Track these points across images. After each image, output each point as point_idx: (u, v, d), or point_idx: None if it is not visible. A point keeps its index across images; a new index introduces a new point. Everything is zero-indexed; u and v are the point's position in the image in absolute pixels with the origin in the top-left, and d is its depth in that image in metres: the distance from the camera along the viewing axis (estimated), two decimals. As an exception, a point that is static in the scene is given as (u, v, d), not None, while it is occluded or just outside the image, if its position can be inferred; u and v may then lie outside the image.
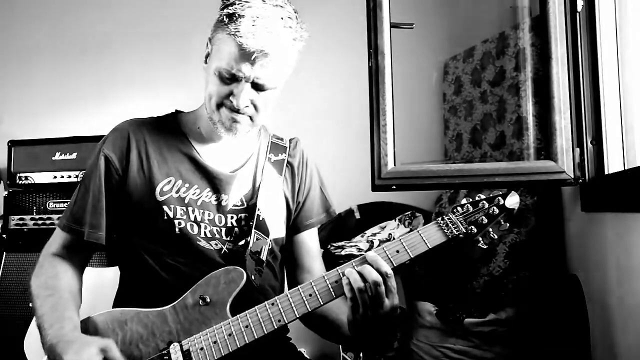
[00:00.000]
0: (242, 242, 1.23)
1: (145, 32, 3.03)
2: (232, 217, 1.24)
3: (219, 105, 1.17)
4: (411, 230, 2.43)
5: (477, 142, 2.55)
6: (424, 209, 2.73)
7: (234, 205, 1.25)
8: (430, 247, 1.10)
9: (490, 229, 1.12)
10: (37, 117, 3.04)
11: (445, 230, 1.11)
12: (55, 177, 2.55)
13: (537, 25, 1.87)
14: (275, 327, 1.09)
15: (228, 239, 1.23)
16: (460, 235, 1.10)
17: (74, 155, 2.55)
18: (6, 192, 2.58)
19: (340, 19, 2.79)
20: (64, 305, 1.15)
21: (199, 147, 1.28)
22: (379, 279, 1.04)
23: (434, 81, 2.84)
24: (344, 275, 1.07)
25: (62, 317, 1.12)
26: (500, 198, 1.12)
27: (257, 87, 1.15)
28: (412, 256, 1.10)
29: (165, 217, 1.20)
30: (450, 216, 1.12)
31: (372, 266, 1.06)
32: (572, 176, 1.65)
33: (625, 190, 1.46)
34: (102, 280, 1.67)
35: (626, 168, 1.62)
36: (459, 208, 1.13)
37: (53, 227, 2.45)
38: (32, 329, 1.63)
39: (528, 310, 2.11)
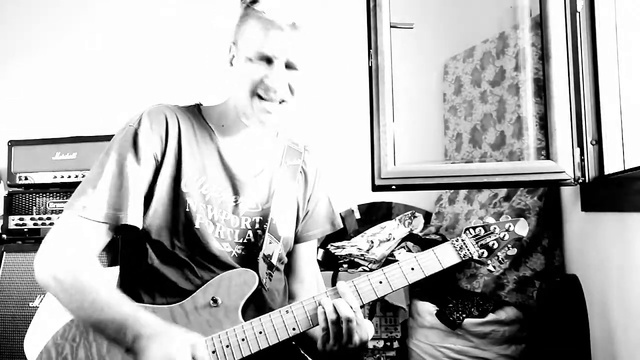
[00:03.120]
0: (253, 246, 1.21)
1: (145, 31, 3.03)
2: (246, 220, 1.22)
3: (253, 94, 1.13)
4: (411, 230, 2.43)
5: (477, 142, 2.55)
6: (424, 209, 2.73)
7: (250, 208, 1.23)
8: (444, 267, 1.14)
9: (499, 254, 1.17)
10: (37, 117, 3.04)
11: (460, 252, 1.15)
12: (55, 177, 2.55)
13: (537, 25, 1.87)
14: (290, 335, 1.08)
15: (240, 241, 1.20)
16: (474, 258, 1.15)
17: (74, 155, 2.55)
18: (6, 192, 2.58)
19: (340, 19, 2.79)
20: (123, 296, 1.05)
21: (223, 145, 1.23)
22: (352, 314, 1.05)
23: (434, 81, 2.84)
24: (320, 304, 1.08)
25: (133, 308, 1.03)
26: (511, 224, 1.17)
27: (289, 66, 1.12)
28: (427, 275, 1.13)
29: (187, 209, 1.15)
30: (464, 238, 1.16)
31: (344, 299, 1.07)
32: (572, 176, 1.65)
33: (625, 190, 1.46)
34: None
35: (626, 168, 1.62)
36: (471, 230, 1.17)
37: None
38: (32, 329, 1.62)
39: (528, 310, 2.11)
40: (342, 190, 2.60)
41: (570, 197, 2.02)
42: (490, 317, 2.08)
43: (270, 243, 1.21)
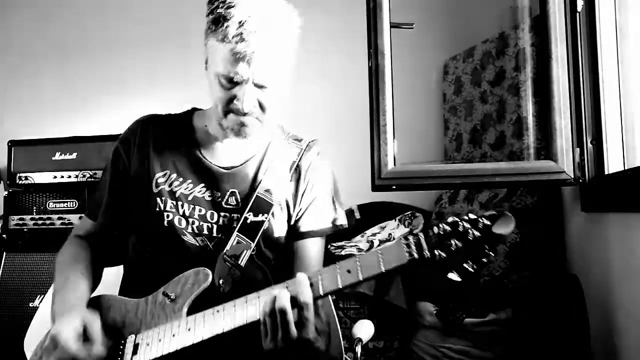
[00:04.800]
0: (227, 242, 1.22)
1: (146, 32, 3.03)
2: (224, 216, 1.22)
3: (227, 112, 1.17)
4: (411, 230, 2.42)
5: (477, 142, 2.55)
6: (424, 209, 2.73)
7: (228, 204, 1.23)
8: (383, 270, 0.96)
9: (470, 260, 0.91)
10: (37, 117, 3.04)
11: (405, 251, 0.95)
12: (55, 177, 2.55)
13: (537, 25, 1.87)
14: (215, 333, 1.05)
15: (219, 236, 1.21)
16: (424, 259, 0.94)
17: (74, 155, 2.55)
18: (6, 192, 2.58)
19: (340, 19, 2.78)
20: (75, 280, 1.20)
21: (203, 144, 1.29)
22: (285, 307, 0.97)
23: (434, 81, 2.84)
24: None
25: (69, 288, 1.18)
26: (485, 220, 0.91)
27: (258, 85, 1.14)
28: (361, 279, 0.97)
29: (157, 209, 1.21)
30: (420, 236, 0.96)
31: (290, 291, 0.99)
32: (572, 176, 1.65)
33: (626, 190, 1.46)
34: (102, 281, 1.67)
35: (626, 168, 1.62)
36: (435, 228, 0.96)
37: (53, 227, 2.47)
38: (32, 329, 1.62)
39: (528, 310, 2.10)
40: (343, 190, 2.60)
41: (570, 197, 2.02)
42: (490, 317, 2.08)
43: (237, 243, 1.20)
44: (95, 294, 1.25)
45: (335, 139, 2.79)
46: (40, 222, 2.51)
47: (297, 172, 1.29)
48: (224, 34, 1.08)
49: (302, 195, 1.29)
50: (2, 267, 2.43)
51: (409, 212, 2.63)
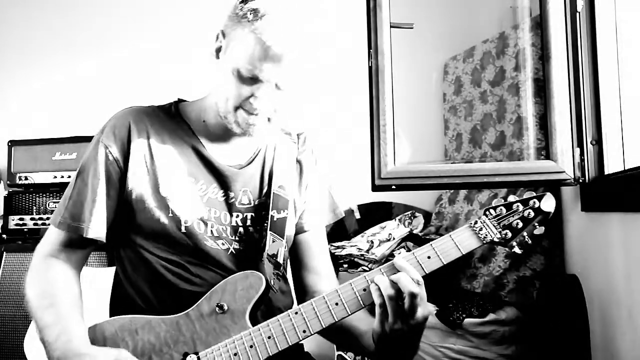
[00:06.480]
0: (250, 243, 1.18)
1: (144, 30, 3.03)
2: (237, 216, 1.18)
3: (237, 107, 1.11)
4: (411, 230, 2.43)
5: (477, 142, 2.55)
6: (424, 209, 2.73)
7: (241, 204, 1.19)
8: (463, 253, 1.05)
9: (525, 234, 1.07)
10: (37, 117, 3.04)
11: (479, 235, 1.06)
12: (55, 177, 2.55)
13: (537, 25, 1.87)
14: (300, 338, 1.03)
15: (234, 238, 1.17)
16: (495, 240, 1.06)
17: (74, 155, 2.56)
18: (6, 192, 2.58)
19: (341, 19, 2.79)
20: (67, 315, 1.08)
21: (204, 140, 1.21)
22: (416, 289, 0.99)
23: (434, 81, 2.84)
24: (372, 282, 1.02)
25: (67, 328, 1.05)
26: (535, 200, 1.07)
27: (278, 87, 1.10)
28: (445, 263, 1.05)
29: (170, 214, 1.13)
30: (484, 219, 1.07)
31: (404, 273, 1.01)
32: (572, 176, 1.65)
33: (625, 190, 1.46)
34: (102, 281, 1.67)
35: (626, 168, 1.62)
36: (491, 210, 1.08)
37: (53, 227, 2.47)
38: (32, 329, 1.62)
39: (528, 310, 2.11)
40: (342, 190, 2.61)
41: (570, 197, 2.02)
42: (490, 317, 2.08)
43: (273, 242, 1.17)
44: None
45: (335, 139, 2.80)
46: (40, 222, 2.52)
47: (299, 166, 1.30)
48: (262, 26, 1.02)
49: (306, 188, 1.31)
50: (2, 267, 2.43)
51: (409, 212, 2.63)
